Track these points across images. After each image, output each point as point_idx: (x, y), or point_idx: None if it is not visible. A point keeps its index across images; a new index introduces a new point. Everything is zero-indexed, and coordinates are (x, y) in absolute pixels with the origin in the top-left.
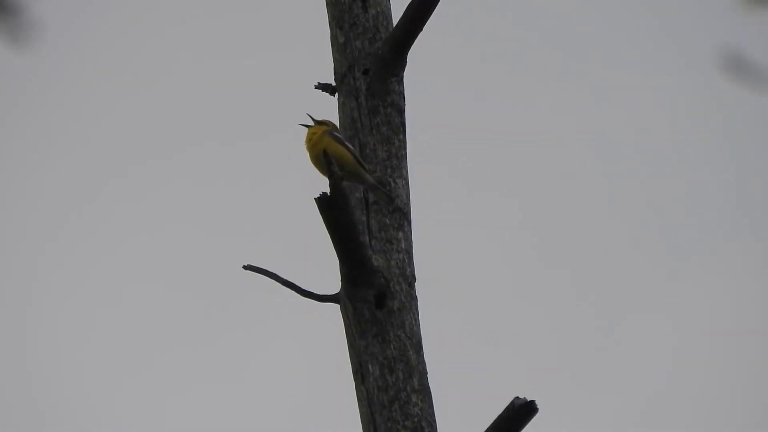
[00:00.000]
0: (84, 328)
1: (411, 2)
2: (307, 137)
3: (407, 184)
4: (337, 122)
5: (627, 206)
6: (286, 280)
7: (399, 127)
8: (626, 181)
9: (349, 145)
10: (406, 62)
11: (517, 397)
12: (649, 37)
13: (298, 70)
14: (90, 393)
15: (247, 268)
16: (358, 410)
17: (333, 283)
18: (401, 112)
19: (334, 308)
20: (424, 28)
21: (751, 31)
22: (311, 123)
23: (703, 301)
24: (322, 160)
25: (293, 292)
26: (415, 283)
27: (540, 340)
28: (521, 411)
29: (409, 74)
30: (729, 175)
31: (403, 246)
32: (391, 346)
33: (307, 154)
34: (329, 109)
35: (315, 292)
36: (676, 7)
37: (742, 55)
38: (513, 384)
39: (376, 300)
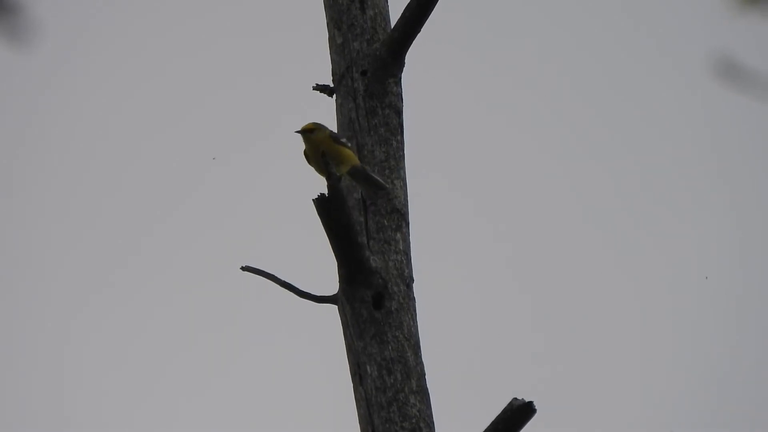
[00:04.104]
0: (81, 329)
1: (409, 3)
2: (312, 142)
3: (405, 185)
4: (335, 123)
5: (622, 204)
6: (284, 281)
7: (397, 128)
8: (623, 181)
9: (348, 144)
10: (404, 63)
11: (516, 398)
12: (643, 40)
13: (296, 72)
14: (88, 395)
15: (245, 269)
16: (356, 411)
17: (331, 284)
18: (399, 113)
19: (332, 309)
20: (422, 30)
21: (743, 34)
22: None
23: (701, 297)
24: (321, 160)
25: (291, 293)
26: (413, 284)
27: (539, 341)
28: (519, 412)
29: (407, 75)
30: (726, 179)
31: (401, 247)
32: (389, 347)
33: (309, 155)
34: (327, 110)
35: (313, 293)
36: (668, 9)
37: (734, 59)
38: (511, 385)
39: (374, 301)
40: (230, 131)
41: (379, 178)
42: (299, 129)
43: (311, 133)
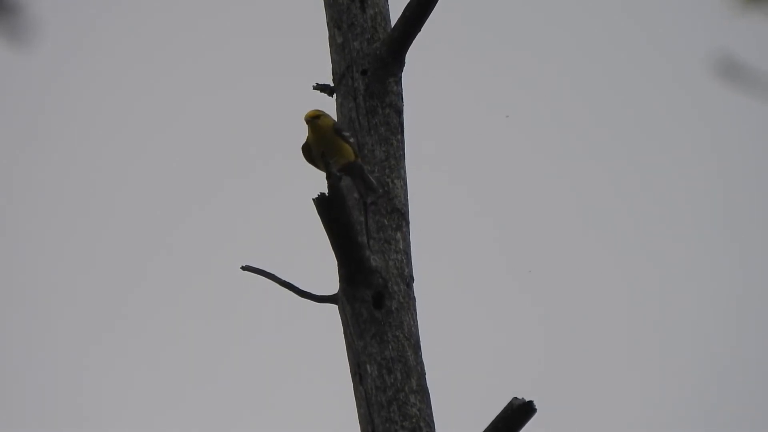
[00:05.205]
0: (84, 329)
1: (409, 3)
2: (318, 128)
3: (405, 184)
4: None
5: (622, 204)
6: (284, 281)
7: (397, 128)
8: (624, 181)
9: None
10: (405, 63)
11: (516, 397)
12: (643, 40)
13: (296, 71)
14: (89, 394)
15: (245, 268)
16: (356, 411)
17: (331, 284)
18: (399, 112)
19: (333, 309)
20: (423, 29)
21: (745, 34)
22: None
23: (702, 297)
24: (322, 158)
25: (291, 292)
26: (413, 284)
27: (539, 340)
28: (520, 411)
29: (407, 75)
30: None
31: (401, 246)
32: (390, 347)
33: (312, 147)
34: (327, 109)
35: (313, 292)
36: (668, 9)
37: (736, 59)
38: (511, 384)
39: (375, 300)
40: (230, 131)
41: (374, 181)
42: (305, 117)
43: (317, 119)
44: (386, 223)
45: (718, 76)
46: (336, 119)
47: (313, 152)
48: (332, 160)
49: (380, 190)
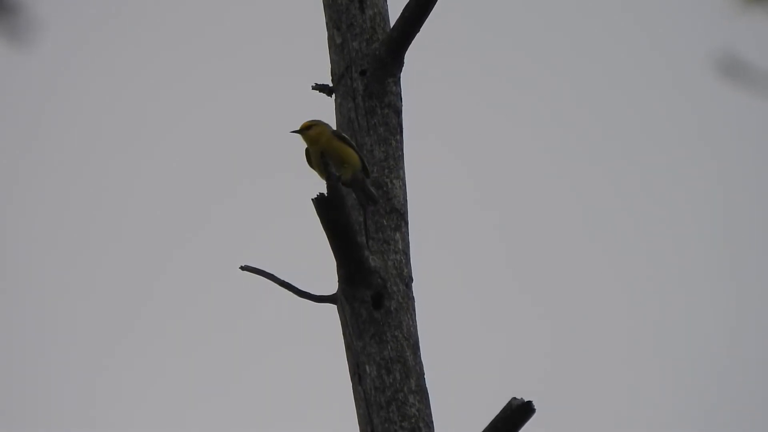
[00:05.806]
0: (85, 328)
1: (408, 3)
2: (311, 138)
3: (404, 184)
4: (334, 123)
5: (623, 204)
6: (283, 281)
7: (396, 128)
8: (625, 181)
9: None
10: (403, 63)
11: (515, 398)
12: (643, 40)
13: (296, 71)
14: (86, 394)
15: (244, 268)
16: (355, 411)
17: (330, 284)
18: (398, 112)
19: (332, 309)
20: (421, 29)
21: (746, 33)
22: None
23: (702, 297)
24: (321, 161)
25: (290, 292)
26: (412, 284)
27: (538, 340)
28: (519, 411)
29: (406, 75)
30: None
31: (400, 247)
32: (389, 347)
33: (311, 155)
34: (327, 110)
35: (312, 292)
36: (669, 8)
37: (738, 57)
38: (511, 384)
39: (374, 300)
40: (229, 131)
41: (374, 192)
42: (297, 129)
43: (309, 129)
44: (385, 223)
45: (720, 74)
46: (335, 121)
47: (312, 160)
48: (339, 169)
49: (380, 201)
